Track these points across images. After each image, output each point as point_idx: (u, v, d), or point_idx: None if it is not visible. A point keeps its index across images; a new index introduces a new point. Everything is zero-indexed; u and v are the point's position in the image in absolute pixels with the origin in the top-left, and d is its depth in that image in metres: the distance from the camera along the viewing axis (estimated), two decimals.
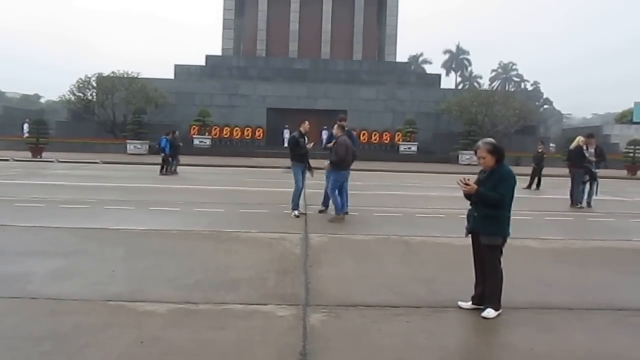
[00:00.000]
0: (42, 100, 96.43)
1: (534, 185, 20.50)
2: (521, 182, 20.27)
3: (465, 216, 5.65)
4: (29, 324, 4.86)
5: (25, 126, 41.25)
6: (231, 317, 5.19)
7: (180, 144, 24.05)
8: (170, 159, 22.61)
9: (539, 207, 14.68)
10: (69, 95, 41.36)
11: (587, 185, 15.03)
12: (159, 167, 22.50)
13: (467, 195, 5.41)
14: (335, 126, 11.58)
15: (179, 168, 22.92)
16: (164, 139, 22.92)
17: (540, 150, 21.32)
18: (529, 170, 21.55)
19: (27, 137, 32.13)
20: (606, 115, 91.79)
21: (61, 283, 6.15)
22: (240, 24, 53.47)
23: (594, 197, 14.96)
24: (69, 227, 9.51)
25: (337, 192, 11.18)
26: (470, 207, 5.54)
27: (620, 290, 6.57)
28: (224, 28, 51.69)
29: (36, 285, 6.03)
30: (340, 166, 11.11)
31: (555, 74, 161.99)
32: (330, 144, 11.58)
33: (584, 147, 15.24)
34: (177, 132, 24.32)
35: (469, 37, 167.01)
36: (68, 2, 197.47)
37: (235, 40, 52.61)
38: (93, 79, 41.34)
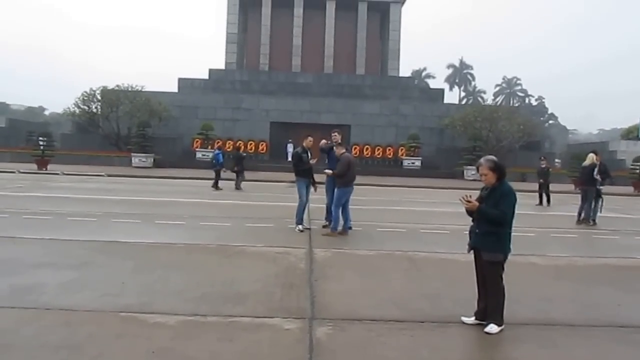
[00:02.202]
0: (47, 113, 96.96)
1: (544, 202, 20.45)
2: (526, 199, 20.48)
3: (468, 232, 5.77)
4: (45, 334, 4.99)
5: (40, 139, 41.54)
6: (239, 330, 5.30)
7: (244, 156, 24.05)
8: (236, 174, 22.66)
9: (544, 223, 14.74)
10: (73, 108, 41.69)
11: (592, 203, 15.08)
12: (211, 181, 22.60)
13: (469, 212, 5.52)
14: (337, 145, 11.81)
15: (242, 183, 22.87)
16: (220, 153, 23.01)
17: (543, 166, 21.22)
18: (534, 186, 21.55)
19: (37, 150, 32.28)
20: (612, 131, 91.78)
21: (73, 294, 6.28)
22: (244, 38, 53.89)
23: (598, 214, 14.99)
24: (78, 239, 9.65)
25: (339, 208, 11.31)
26: (472, 223, 5.66)
27: (623, 308, 6.63)
28: (227, 42, 52.06)
29: (49, 296, 6.17)
30: (345, 183, 11.25)
31: (560, 87, 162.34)
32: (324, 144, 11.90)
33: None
34: (240, 146, 24.27)
35: (472, 51, 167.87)
36: (70, 18, 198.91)
37: (239, 54, 52.98)
38: (98, 92, 41.63)
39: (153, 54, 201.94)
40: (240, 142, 40.69)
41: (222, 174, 22.82)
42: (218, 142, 39.84)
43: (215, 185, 22.15)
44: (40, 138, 32.58)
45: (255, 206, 16.67)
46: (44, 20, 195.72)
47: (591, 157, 15.54)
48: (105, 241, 9.60)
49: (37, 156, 31.80)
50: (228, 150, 24.26)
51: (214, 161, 22.92)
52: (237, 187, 22.32)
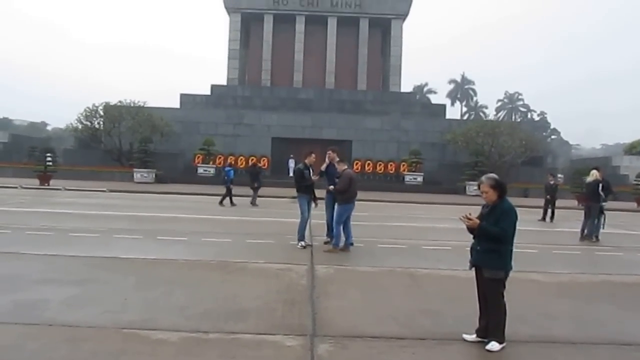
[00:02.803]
0: (49, 128, 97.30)
1: (547, 218, 20.41)
2: (529, 214, 20.51)
3: (469, 249, 5.79)
4: (49, 350, 5.03)
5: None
6: (241, 347, 5.31)
7: (261, 171, 23.87)
8: (253, 190, 22.68)
9: (546, 240, 14.72)
10: (76, 123, 41.88)
11: (595, 219, 15.03)
12: (220, 197, 22.55)
13: (470, 229, 5.55)
14: (338, 161, 11.89)
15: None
16: (231, 170, 23.04)
17: (552, 182, 21.19)
18: (536, 202, 21.52)
19: (40, 165, 32.36)
20: (615, 146, 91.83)
21: (76, 311, 6.30)
22: (245, 54, 54.23)
23: (601, 230, 14.95)
24: (80, 255, 9.69)
25: (341, 224, 11.33)
26: (473, 240, 5.68)
27: (625, 325, 6.62)
28: (229, 58, 52.36)
29: (52, 312, 6.20)
30: (346, 199, 11.29)
31: (563, 102, 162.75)
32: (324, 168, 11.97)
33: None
34: (256, 161, 24.24)
35: (474, 66, 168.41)
36: (72, 37, 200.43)
37: (241, 70, 53.27)
38: (100, 107, 41.84)
39: (155, 71, 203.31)
40: (241, 157, 40.81)
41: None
42: (231, 158, 40.04)
43: (229, 201, 22.09)
44: (47, 154, 32.70)
45: (257, 222, 16.69)
46: (47, 38, 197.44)
47: (594, 174, 15.54)
48: (108, 257, 9.63)
49: (40, 171, 31.88)
50: (241, 166, 24.18)
51: (225, 177, 22.82)
52: (253, 203, 22.34)
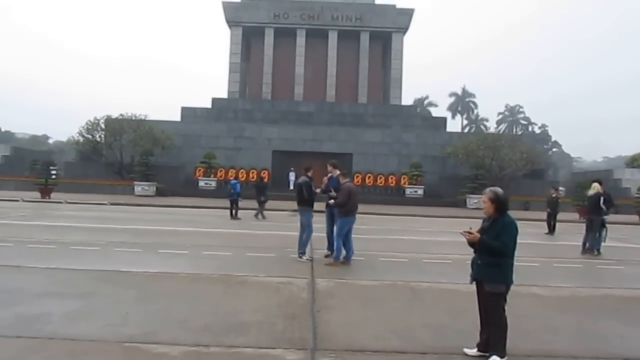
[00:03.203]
0: (51, 141, 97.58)
1: (552, 230, 20.45)
2: (530, 228, 20.53)
3: (470, 263, 5.80)
4: None
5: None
6: None
7: (267, 185, 23.80)
8: (261, 204, 22.66)
9: (547, 253, 14.70)
10: (77, 136, 42.05)
11: (597, 232, 15.01)
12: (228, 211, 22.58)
13: (471, 243, 5.56)
14: (338, 173, 11.94)
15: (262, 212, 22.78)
16: (237, 183, 23.05)
17: (554, 196, 21.21)
18: (537, 215, 21.50)
19: (41, 178, 32.39)
20: (617, 159, 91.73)
21: (77, 324, 6.31)
22: (246, 67, 54.46)
23: (603, 243, 14.91)
24: (82, 268, 9.71)
25: (341, 237, 11.35)
26: (474, 254, 5.70)
27: (627, 340, 6.61)
28: (230, 72, 52.56)
29: (54, 326, 6.21)
30: (346, 212, 11.31)
31: (564, 114, 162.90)
32: (324, 187, 12.01)
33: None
34: (263, 175, 24.17)
35: (475, 79, 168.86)
36: (75, 52, 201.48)
37: (241, 83, 53.46)
38: (102, 121, 41.99)
39: (157, 85, 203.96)
40: (242, 170, 40.82)
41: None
42: (232, 171, 40.18)
43: (234, 215, 22.13)
44: (51, 167, 32.79)
45: (257, 235, 16.69)
46: (49, 53, 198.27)
47: (595, 186, 15.53)
48: (109, 270, 9.65)
49: (41, 184, 31.92)
50: (242, 179, 24.31)
51: (232, 190, 22.84)
52: (260, 217, 22.35)
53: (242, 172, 41.05)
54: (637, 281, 10.99)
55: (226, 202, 23.06)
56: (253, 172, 40.96)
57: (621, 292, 9.75)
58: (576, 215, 29.35)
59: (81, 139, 41.85)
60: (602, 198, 15.17)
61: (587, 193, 16.00)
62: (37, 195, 30.93)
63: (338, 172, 12.14)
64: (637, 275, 11.95)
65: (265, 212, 22.70)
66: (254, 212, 22.75)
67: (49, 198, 30.48)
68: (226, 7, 51.40)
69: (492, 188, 5.72)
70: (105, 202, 28.30)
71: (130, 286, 8.48)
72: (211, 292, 8.38)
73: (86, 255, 11.32)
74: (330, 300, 8.04)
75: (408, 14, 51.84)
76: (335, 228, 11.48)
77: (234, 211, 22.25)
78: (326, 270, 10.50)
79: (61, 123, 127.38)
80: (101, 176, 40.42)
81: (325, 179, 12.29)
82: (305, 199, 11.89)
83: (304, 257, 11.61)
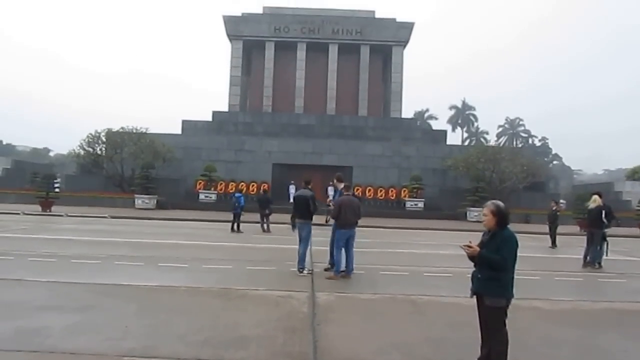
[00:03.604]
0: (52, 154, 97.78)
1: (549, 243, 20.44)
2: (531, 241, 20.52)
3: (470, 277, 5.79)
4: None
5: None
6: None
7: (271, 200, 23.61)
8: (266, 217, 22.59)
9: (548, 266, 14.65)
10: (78, 149, 42.03)
11: (598, 245, 14.97)
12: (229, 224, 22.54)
13: (471, 257, 5.56)
14: (342, 186, 12.01)
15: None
16: (241, 196, 23.02)
17: (554, 209, 21.34)
18: (538, 227, 21.47)
19: (42, 191, 32.37)
20: (617, 171, 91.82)
21: (77, 337, 6.31)
22: (247, 80, 54.65)
23: (604, 257, 14.88)
24: (82, 282, 9.71)
25: (340, 250, 11.35)
26: (474, 268, 5.69)
27: (629, 354, 6.60)
28: (230, 85, 52.72)
29: (54, 339, 6.21)
30: (340, 225, 11.33)
31: (565, 126, 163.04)
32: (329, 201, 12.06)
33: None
34: (267, 188, 24.04)
35: (475, 92, 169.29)
36: (76, 66, 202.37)
37: (242, 96, 53.59)
38: (103, 134, 42.01)
39: (158, 99, 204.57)
40: (242, 183, 40.82)
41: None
42: (232, 184, 40.15)
43: (237, 228, 22.09)
44: (55, 180, 32.79)
45: (258, 248, 16.69)
46: (50, 67, 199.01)
47: (596, 199, 15.51)
48: (109, 284, 9.65)
49: (41, 197, 31.92)
50: (242, 190, 24.34)
51: (236, 204, 22.83)
52: (266, 230, 22.32)
53: (243, 184, 40.93)
54: (638, 294, 10.96)
55: (226, 215, 23.04)
56: (253, 185, 40.96)
57: (623, 305, 9.73)
58: (577, 228, 29.32)
59: (82, 152, 41.83)
60: (603, 211, 15.16)
61: (587, 206, 15.94)
62: (37, 208, 30.91)
63: (342, 185, 12.21)
64: (639, 288, 11.91)
65: (266, 225, 22.66)
66: (258, 225, 22.70)
67: (50, 211, 30.46)
68: (227, 20, 51.71)
69: (493, 201, 5.72)
70: (106, 215, 28.30)
71: (130, 300, 8.47)
72: (211, 306, 8.37)
73: (86, 269, 11.32)
74: (330, 314, 8.03)
75: (408, 27, 52.10)
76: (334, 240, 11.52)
77: (235, 224, 22.19)
78: (326, 284, 10.49)
79: (62, 136, 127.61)
80: (102, 189, 40.42)
81: (330, 192, 12.41)
82: (309, 213, 11.90)
83: (304, 272, 11.59)
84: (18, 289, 8.99)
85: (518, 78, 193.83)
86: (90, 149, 41.74)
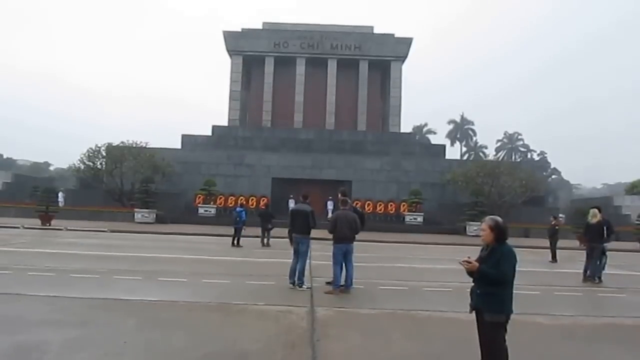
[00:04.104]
0: (52, 168, 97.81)
1: (556, 258, 20.49)
2: (531, 255, 20.51)
3: (470, 292, 5.79)
4: None
5: (60, 195, 41.91)
6: None
7: (273, 215, 23.50)
8: (267, 232, 22.53)
9: (548, 281, 14.65)
10: (78, 163, 42.10)
11: (598, 260, 14.97)
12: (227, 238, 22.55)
13: (470, 273, 5.56)
14: (341, 201, 12.06)
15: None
16: (243, 211, 22.99)
17: (553, 223, 21.43)
18: (538, 242, 21.49)
19: (42, 205, 32.30)
20: (616, 186, 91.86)
21: (76, 353, 6.30)
22: (247, 95, 54.86)
23: (603, 271, 14.88)
24: (82, 297, 9.69)
25: (339, 265, 11.34)
26: (473, 283, 5.69)
27: None
28: (230, 99, 52.92)
29: (52, 355, 6.21)
30: (336, 239, 11.35)
31: (563, 139, 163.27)
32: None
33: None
34: (266, 202, 24.02)
35: (473, 105, 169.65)
36: (77, 83, 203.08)
37: (242, 111, 53.76)
38: (103, 148, 42.13)
39: (158, 114, 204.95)
40: (242, 197, 40.84)
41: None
42: (232, 198, 40.12)
43: (237, 243, 22.03)
44: (58, 193, 32.71)
45: (257, 263, 16.66)
46: (50, 83, 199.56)
47: (596, 214, 15.51)
48: (108, 299, 9.63)
49: (41, 211, 31.88)
50: (241, 204, 24.45)
51: (237, 218, 22.79)
52: (267, 244, 22.27)
53: (242, 199, 40.95)
54: (638, 309, 10.94)
55: (226, 229, 23.01)
56: (253, 199, 40.98)
57: (623, 320, 9.71)
58: (576, 242, 29.27)
59: (82, 166, 41.91)
60: (605, 227, 15.18)
61: (588, 220, 15.91)
62: (37, 222, 30.87)
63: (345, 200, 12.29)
64: (639, 303, 11.90)
65: (266, 240, 22.62)
66: (258, 239, 22.67)
67: (50, 225, 30.42)
68: (227, 36, 52.05)
69: (492, 216, 5.74)
70: (105, 230, 28.26)
71: (129, 314, 8.45)
72: (210, 321, 8.35)
73: (86, 283, 11.30)
74: (329, 330, 8.01)
75: (407, 43, 52.42)
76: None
77: (236, 239, 22.16)
78: (326, 299, 10.47)
79: (62, 150, 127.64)
80: (101, 203, 40.40)
81: (329, 207, 12.45)
82: (308, 228, 11.91)
83: (303, 286, 11.58)
84: (17, 304, 8.97)
85: (516, 91, 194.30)
86: (91, 163, 41.81)
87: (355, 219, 11.62)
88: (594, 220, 15.40)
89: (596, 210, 15.67)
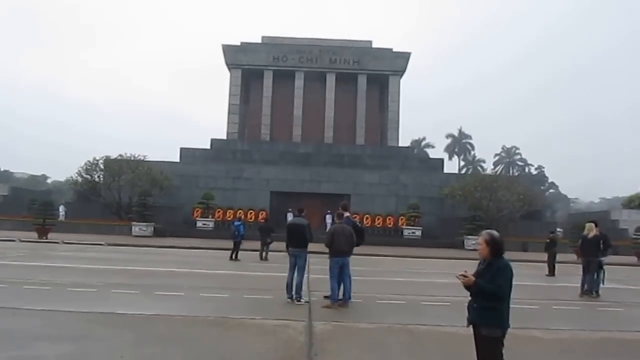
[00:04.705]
0: (49, 181, 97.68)
1: (553, 272, 20.59)
2: (529, 269, 20.48)
3: (467, 306, 5.78)
4: None
5: (62, 208, 41.84)
6: None
7: (272, 229, 23.31)
8: (267, 245, 22.39)
9: (546, 295, 14.65)
10: (76, 176, 42.07)
11: (595, 274, 14.98)
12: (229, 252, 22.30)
13: (467, 287, 5.55)
14: (345, 214, 12.08)
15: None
16: (241, 225, 22.94)
17: (548, 238, 21.61)
18: (535, 256, 21.53)
19: (39, 218, 32.19)
20: (613, 200, 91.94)
21: None
22: (245, 108, 54.96)
23: (601, 285, 14.85)
24: (77, 310, 9.63)
25: (336, 279, 11.29)
26: (470, 297, 5.67)
27: None
28: (229, 113, 53.01)
29: None
30: (332, 253, 11.33)
31: (560, 154, 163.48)
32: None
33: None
34: (265, 216, 24.00)
35: (471, 118, 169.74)
36: (74, 96, 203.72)
37: (240, 124, 53.84)
38: (101, 161, 42.12)
39: (156, 128, 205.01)
40: (240, 211, 40.72)
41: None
42: (230, 212, 40.10)
43: (235, 257, 21.92)
44: (60, 205, 32.61)
45: (255, 277, 16.62)
46: (48, 96, 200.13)
47: (591, 227, 15.54)
48: (104, 313, 9.58)
49: (38, 224, 31.79)
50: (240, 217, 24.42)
51: (235, 232, 22.69)
52: (265, 258, 22.17)
53: (241, 212, 40.69)
54: (636, 324, 10.94)
55: (224, 243, 22.96)
56: (251, 213, 40.89)
57: (621, 334, 9.70)
58: (574, 257, 29.23)
59: (80, 179, 41.91)
60: (602, 241, 15.19)
61: (584, 234, 15.90)
62: (34, 235, 30.78)
63: (346, 213, 12.27)
64: (636, 317, 11.91)
65: (264, 253, 22.56)
66: (256, 253, 22.60)
67: (46, 238, 30.34)
68: (226, 50, 52.28)
69: (488, 230, 5.74)
70: (103, 243, 28.16)
71: (126, 329, 8.40)
72: (207, 335, 8.31)
73: (82, 297, 11.25)
74: (327, 344, 7.98)
75: (405, 57, 52.71)
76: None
77: (234, 253, 22.07)
78: (324, 313, 10.43)
79: (60, 163, 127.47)
80: (99, 216, 40.24)
81: (328, 221, 12.46)
82: (306, 242, 11.89)
83: (301, 301, 11.54)
84: (12, 318, 8.92)
85: (514, 106, 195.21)
86: (88, 176, 41.83)
87: (352, 233, 11.58)
88: (590, 234, 15.44)
89: (592, 225, 15.71)
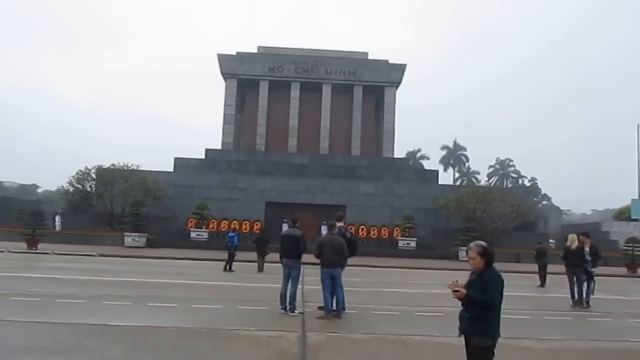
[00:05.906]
0: (40, 190, 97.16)
1: (544, 283, 20.80)
2: (521, 280, 20.46)
3: (458, 316, 5.74)
4: None
5: (57, 218, 41.55)
6: None
7: (269, 240, 23.19)
8: (262, 256, 22.22)
9: (538, 305, 14.65)
10: (67, 186, 41.62)
11: (585, 285, 15.03)
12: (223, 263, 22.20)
13: (458, 297, 5.51)
14: (339, 224, 12.05)
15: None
16: (235, 236, 22.81)
17: (537, 248, 21.68)
18: (529, 267, 21.59)
19: (28, 229, 31.90)
20: (605, 212, 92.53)
21: None
22: (241, 119, 54.96)
23: (591, 296, 14.90)
24: (67, 322, 9.52)
25: (328, 289, 11.22)
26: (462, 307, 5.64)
27: None
28: (224, 123, 52.93)
29: None
30: (321, 264, 11.31)
31: (554, 167, 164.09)
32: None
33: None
34: (261, 227, 23.96)
35: (466, 130, 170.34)
36: (66, 103, 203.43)
37: (235, 135, 53.81)
38: (93, 170, 41.79)
39: (150, 137, 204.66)
40: (235, 222, 40.64)
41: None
42: (225, 222, 40.01)
43: (229, 268, 21.79)
44: (56, 215, 32.33)
45: (248, 288, 16.53)
46: (39, 103, 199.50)
47: (573, 238, 15.63)
48: (95, 324, 9.47)
49: (28, 235, 31.47)
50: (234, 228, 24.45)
51: (229, 243, 22.56)
52: (261, 269, 22.01)
53: (235, 223, 40.63)
54: (625, 334, 10.99)
55: (218, 254, 22.84)
56: (246, 224, 40.78)
57: (611, 344, 9.75)
58: (564, 268, 29.26)
59: (71, 189, 41.50)
60: (587, 250, 15.26)
61: (568, 245, 15.91)
62: (23, 245, 30.49)
63: (342, 223, 12.26)
64: (626, 327, 11.93)
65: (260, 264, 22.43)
66: (251, 264, 22.46)
67: (36, 249, 30.05)
68: (222, 59, 52.33)
69: (476, 242, 5.72)
70: (94, 254, 27.94)
71: (117, 341, 8.31)
72: (201, 347, 8.23)
73: (72, 309, 11.12)
74: (320, 355, 7.92)
75: (400, 69, 52.95)
76: None
77: (228, 264, 21.93)
78: (317, 324, 10.37)
79: (50, 172, 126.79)
80: (91, 226, 39.89)
81: (323, 232, 12.45)
82: (300, 252, 11.84)
83: (295, 312, 11.46)
84: (0, 330, 8.78)
85: (510, 117, 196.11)
86: (80, 186, 41.44)
87: (341, 244, 11.45)
88: (573, 245, 15.52)
89: (574, 236, 15.86)
